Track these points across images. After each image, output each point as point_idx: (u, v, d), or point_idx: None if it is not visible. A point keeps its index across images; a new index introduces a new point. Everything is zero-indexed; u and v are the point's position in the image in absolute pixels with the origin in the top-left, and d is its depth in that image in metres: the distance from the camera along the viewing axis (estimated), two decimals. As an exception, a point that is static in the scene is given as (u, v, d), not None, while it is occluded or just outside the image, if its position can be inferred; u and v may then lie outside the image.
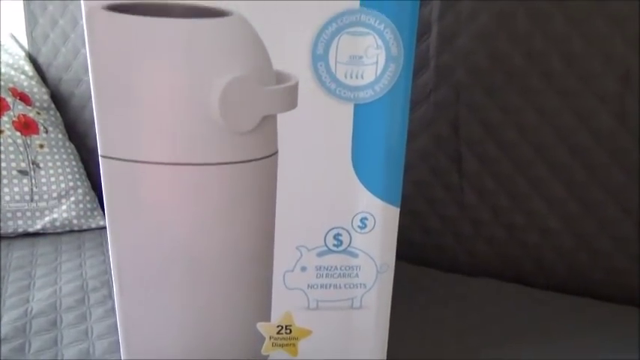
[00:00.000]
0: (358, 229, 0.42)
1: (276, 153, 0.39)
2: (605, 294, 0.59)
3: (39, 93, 0.78)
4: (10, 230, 0.70)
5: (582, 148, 0.57)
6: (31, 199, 0.72)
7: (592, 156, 0.56)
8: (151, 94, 0.36)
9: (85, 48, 0.35)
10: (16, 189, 0.71)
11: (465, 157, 0.62)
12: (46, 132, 0.75)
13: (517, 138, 0.59)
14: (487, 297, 0.60)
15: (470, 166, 0.62)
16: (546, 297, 0.60)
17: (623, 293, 0.59)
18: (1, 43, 0.81)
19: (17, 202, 0.71)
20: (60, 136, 0.77)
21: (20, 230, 0.71)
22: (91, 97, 0.36)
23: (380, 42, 0.37)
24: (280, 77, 0.37)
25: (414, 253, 0.67)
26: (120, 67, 0.35)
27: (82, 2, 0.34)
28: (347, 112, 0.38)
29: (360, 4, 0.36)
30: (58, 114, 0.79)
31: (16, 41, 0.82)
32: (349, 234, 0.42)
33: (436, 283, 0.62)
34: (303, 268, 0.42)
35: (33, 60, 0.80)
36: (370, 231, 0.42)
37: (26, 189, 0.72)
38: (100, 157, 0.38)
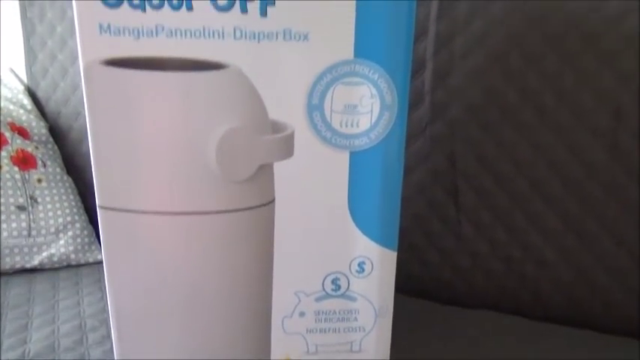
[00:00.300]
0: (356, 274, 0.42)
1: (273, 201, 0.39)
2: (604, 326, 0.59)
3: (37, 127, 0.78)
4: (7, 267, 0.70)
5: (576, 181, 0.57)
6: (29, 235, 0.72)
7: (586, 189, 0.57)
8: (148, 145, 0.36)
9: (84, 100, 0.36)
10: (14, 225, 0.71)
11: (461, 191, 0.62)
12: (44, 166, 0.76)
13: (512, 172, 0.60)
14: (486, 329, 0.59)
15: (466, 199, 0.62)
16: (545, 329, 0.60)
17: (622, 325, 0.59)
18: (1, 78, 0.82)
19: (15, 237, 0.71)
20: (58, 169, 0.77)
21: (18, 267, 0.71)
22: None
23: (374, 91, 0.37)
24: (276, 126, 0.38)
25: (413, 285, 0.67)
26: (118, 119, 0.36)
27: (79, 58, 0.35)
28: (343, 159, 0.39)
29: (354, 55, 0.36)
30: (56, 147, 0.80)
31: (16, 76, 0.83)
32: (347, 278, 0.42)
33: (435, 316, 0.62)
34: (302, 314, 0.42)
35: (32, 94, 0.81)
36: (368, 275, 0.42)
37: (24, 224, 0.72)
38: (98, 208, 0.38)
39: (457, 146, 0.61)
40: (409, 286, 0.66)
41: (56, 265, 0.73)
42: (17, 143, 0.74)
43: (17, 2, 0.78)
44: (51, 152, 0.78)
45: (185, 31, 0.34)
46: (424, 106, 0.62)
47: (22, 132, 0.76)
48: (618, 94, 0.54)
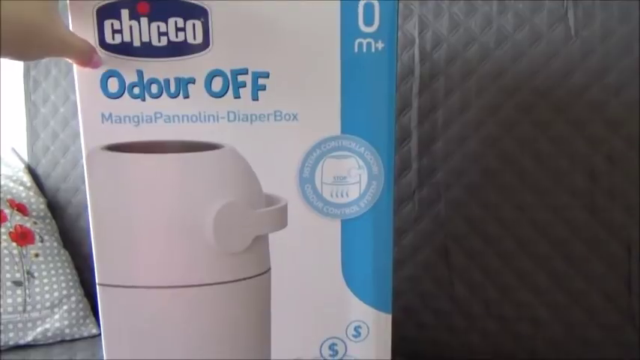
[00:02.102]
0: (353, 338, 0.43)
1: (269, 270, 0.41)
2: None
3: (36, 203, 0.80)
4: (1, 344, 0.70)
5: (561, 240, 0.59)
6: (24, 310, 0.72)
7: (570, 247, 0.59)
8: (148, 223, 0.38)
9: (85, 182, 0.38)
10: (9, 300, 0.71)
11: (451, 252, 0.64)
12: (42, 241, 0.77)
13: (499, 232, 0.62)
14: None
15: (457, 260, 0.64)
16: (544, 389, 0.60)
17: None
18: (1, 157, 0.84)
19: (10, 313, 0.71)
20: (55, 244, 0.78)
21: (11, 343, 0.70)
22: (87, 206, 0.38)
23: (361, 163, 0.40)
24: (270, 200, 0.40)
25: (409, 348, 0.67)
26: (119, 201, 0.38)
27: (82, 145, 0.38)
28: (335, 227, 0.41)
29: (341, 131, 0.39)
30: (54, 222, 0.81)
31: (17, 154, 0.86)
32: (344, 343, 0.43)
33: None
34: (300, 382, 0.43)
35: (32, 171, 0.83)
36: (364, 339, 0.43)
37: (19, 299, 0.72)
38: (97, 285, 0.39)
39: (445, 209, 0.64)
40: (405, 349, 0.66)
41: (50, 341, 0.72)
42: (16, 219, 0.76)
43: (21, 86, 0.83)
44: (49, 227, 0.80)
45: (182, 117, 0.37)
46: (411, 172, 0.65)
47: (21, 208, 0.78)
48: (591, 157, 0.57)
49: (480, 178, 0.62)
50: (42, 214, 0.80)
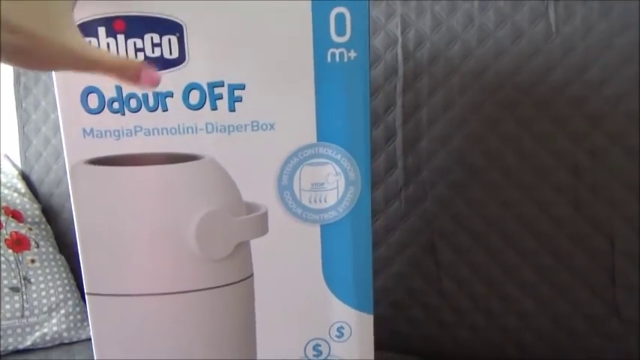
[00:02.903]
0: (336, 338, 0.44)
1: (251, 275, 0.42)
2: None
3: (31, 209, 0.81)
4: (1, 349, 0.71)
5: (545, 235, 0.60)
6: (22, 315, 0.73)
7: (555, 242, 0.60)
8: (132, 233, 0.39)
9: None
10: (7, 306, 0.72)
11: (439, 248, 0.65)
12: (37, 246, 0.78)
13: (485, 228, 0.63)
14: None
15: (444, 256, 0.65)
16: (532, 381, 0.61)
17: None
18: (-4, 164, 0.86)
19: (8, 319, 0.72)
20: (51, 249, 0.79)
21: (10, 348, 0.72)
22: None
23: (338, 169, 0.41)
24: (251, 207, 0.41)
25: (399, 342, 0.68)
26: (103, 213, 0.39)
27: (65, 159, 0.39)
28: (314, 232, 0.42)
29: (317, 139, 0.40)
30: (49, 227, 0.82)
31: (10, 161, 0.87)
32: (328, 344, 0.44)
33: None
34: (285, 383, 0.44)
35: (26, 177, 0.85)
36: (347, 339, 0.44)
37: (17, 305, 0.73)
38: (86, 295, 0.40)
39: (431, 206, 0.65)
40: (396, 343, 0.67)
41: (49, 345, 0.74)
42: (11, 226, 0.77)
43: (12, 93, 0.83)
44: (44, 232, 0.81)
45: (162, 129, 0.38)
46: (397, 171, 0.66)
47: (16, 215, 0.79)
48: (574, 153, 0.58)
49: (465, 176, 0.62)
50: (37, 219, 0.82)
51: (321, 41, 0.38)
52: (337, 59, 0.38)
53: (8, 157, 0.87)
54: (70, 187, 0.38)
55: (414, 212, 0.66)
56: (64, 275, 0.78)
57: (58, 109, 0.37)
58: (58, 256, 0.80)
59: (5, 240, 0.76)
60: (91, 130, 0.37)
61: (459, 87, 0.62)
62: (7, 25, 0.25)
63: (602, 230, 0.58)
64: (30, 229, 0.79)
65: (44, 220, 0.82)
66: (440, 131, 0.63)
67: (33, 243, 0.78)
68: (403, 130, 0.65)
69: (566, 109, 0.58)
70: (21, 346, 0.72)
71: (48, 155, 0.83)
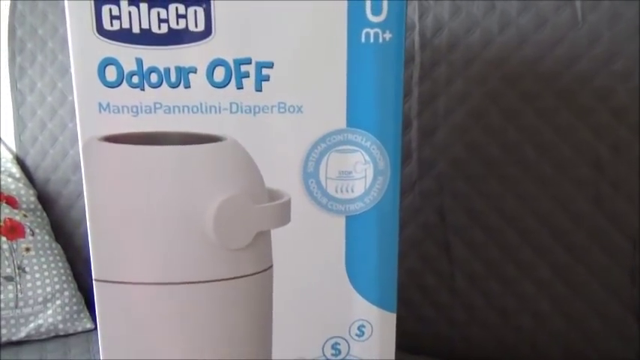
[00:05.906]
0: (356, 337, 0.42)
1: (271, 267, 0.40)
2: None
3: (26, 195, 0.78)
4: (-7, 340, 0.68)
5: (563, 231, 0.58)
6: (16, 306, 0.70)
7: (573, 239, 0.58)
8: (147, 217, 0.37)
9: (81, 171, 0.36)
10: (1, 296, 0.69)
11: (452, 244, 0.63)
12: (32, 234, 0.75)
13: (501, 224, 0.61)
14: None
15: (458, 252, 0.63)
16: (545, 382, 0.60)
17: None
18: (-11, 148, 0.82)
19: (2, 309, 0.69)
20: (46, 237, 0.76)
21: (4, 340, 0.69)
22: (78, 197, 0.37)
23: (367, 157, 0.39)
24: (273, 194, 0.38)
25: (410, 342, 0.66)
26: (116, 194, 0.36)
27: (79, 135, 0.36)
28: (339, 224, 0.40)
29: (347, 125, 0.38)
30: (45, 214, 0.79)
31: (4, 145, 0.83)
32: (347, 343, 0.42)
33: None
34: (303, 381, 0.42)
35: (21, 162, 0.81)
36: (368, 338, 0.42)
37: (11, 295, 0.70)
38: (94, 281, 0.38)
39: (446, 200, 0.63)
40: (406, 343, 0.65)
41: (44, 337, 0.71)
42: (5, 212, 0.74)
43: (7, 75, 0.80)
44: (39, 220, 0.78)
45: (183, 107, 0.35)
46: (412, 163, 0.64)
47: (11, 201, 0.76)
48: (596, 146, 0.56)
49: (482, 169, 0.61)
50: (32, 206, 0.78)
51: (355, 19, 0.35)
52: (372, 40, 0.36)
53: (2, 141, 0.84)
54: (82, 165, 0.36)
55: (429, 207, 0.64)
56: (60, 265, 0.75)
57: (73, 81, 0.34)
58: (54, 244, 0.77)
59: (-1, 227, 0.72)
60: (108, 104, 0.35)
61: (478, 76, 0.60)
62: None
63: (623, 227, 0.57)
64: (25, 215, 0.75)
65: (40, 207, 0.79)
66: (456, 123, 0.61)
67: (28, 230, 0.74)
68: (419, 121, 0.63)
69: (590, 101, 0.56)
70: (14, 338, 0.69)
71: (44, 140, 0.79)
